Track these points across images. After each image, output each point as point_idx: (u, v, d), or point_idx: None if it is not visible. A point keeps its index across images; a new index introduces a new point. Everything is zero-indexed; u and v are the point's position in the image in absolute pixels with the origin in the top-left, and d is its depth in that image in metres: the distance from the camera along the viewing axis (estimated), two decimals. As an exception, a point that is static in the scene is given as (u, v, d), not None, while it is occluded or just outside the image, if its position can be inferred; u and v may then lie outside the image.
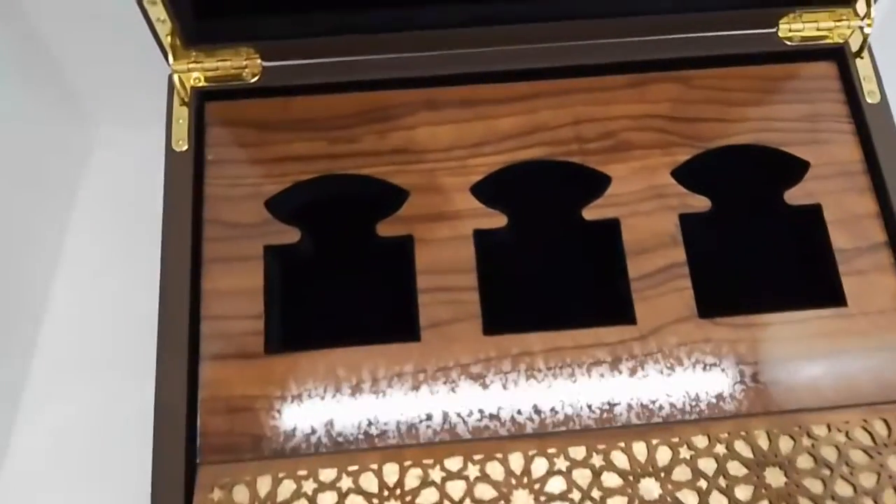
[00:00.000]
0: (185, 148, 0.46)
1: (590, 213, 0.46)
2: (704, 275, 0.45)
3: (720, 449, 0.40)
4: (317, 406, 0.41)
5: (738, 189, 0.49)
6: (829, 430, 0.41)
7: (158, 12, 0.43)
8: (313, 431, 0.41)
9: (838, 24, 0.49)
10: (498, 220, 0.45)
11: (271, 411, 0.41)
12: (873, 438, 0.40)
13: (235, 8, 0.47)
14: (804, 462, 0.40)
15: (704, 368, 0.42)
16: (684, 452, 0.40)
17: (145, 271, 0.46)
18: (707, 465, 0.40)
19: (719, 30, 0.49)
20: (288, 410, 0.41)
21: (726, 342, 0.43)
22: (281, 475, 0.40)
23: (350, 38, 0.48)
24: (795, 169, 0.47)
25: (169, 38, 0.45)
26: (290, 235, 0.45)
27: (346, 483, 0.40)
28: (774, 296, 0.45)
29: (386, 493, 0.39)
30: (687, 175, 0.47)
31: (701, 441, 0.40)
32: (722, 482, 0.39)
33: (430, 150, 0.47)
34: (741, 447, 0.40)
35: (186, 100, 0.47)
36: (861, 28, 0.49)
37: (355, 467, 0.40)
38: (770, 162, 0.48)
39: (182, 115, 0.47)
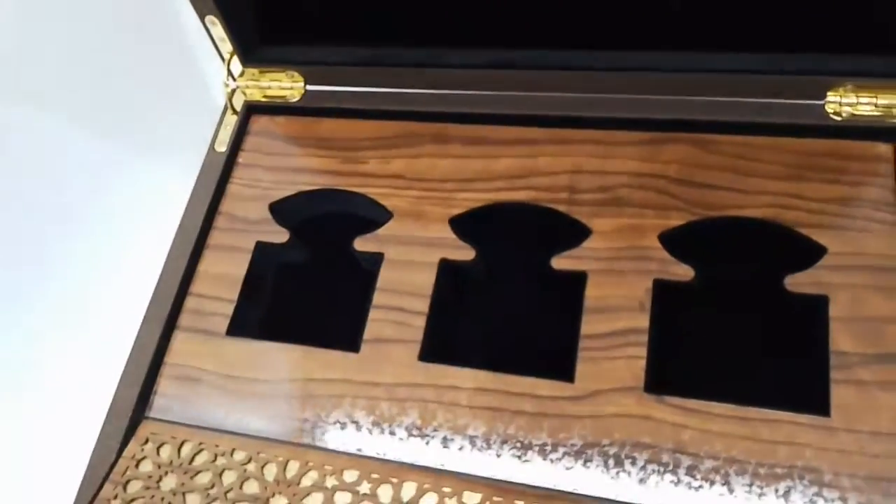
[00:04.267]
0: (223, 150, 0.52)
1: (559, 262, 0.44)
2: (673, 351, 0.41)
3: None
4: (249, 391, 0.44)
5: (735, 265, 0.44)
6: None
7: (219, 32, 0.51)
8: (242, 414, 0.44)
9: (902, 101, 0.43)
10: (466, 254, 0.45)
11: (213, 387, 0.45)
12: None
13: (291, 37, 0.53)
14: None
15: (633, 447, 0.38)
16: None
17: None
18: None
19: (754, 95, 0.45)
20: (225, 389, 0.44)
21: (668, 425, 0.38)
22: (202, 445, 0.43)
23: (381, 70, 0.51)
24: (808, 254, 0.41)
25: (228, 56, 0.53)
26: (279, 236, 0.49)
27: (251, 467, 0.42)
28: (747, 387, 0.40)
29: (277, 485, 0.41)
30: (679, 243, 0.43)
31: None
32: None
33: (424, 178, 0.48)
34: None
35: (237, 110, 0.54)
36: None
37: (263, 455, 0.42)
38: (779, 242, 0.42)
39: (230, 122, 0.54)
